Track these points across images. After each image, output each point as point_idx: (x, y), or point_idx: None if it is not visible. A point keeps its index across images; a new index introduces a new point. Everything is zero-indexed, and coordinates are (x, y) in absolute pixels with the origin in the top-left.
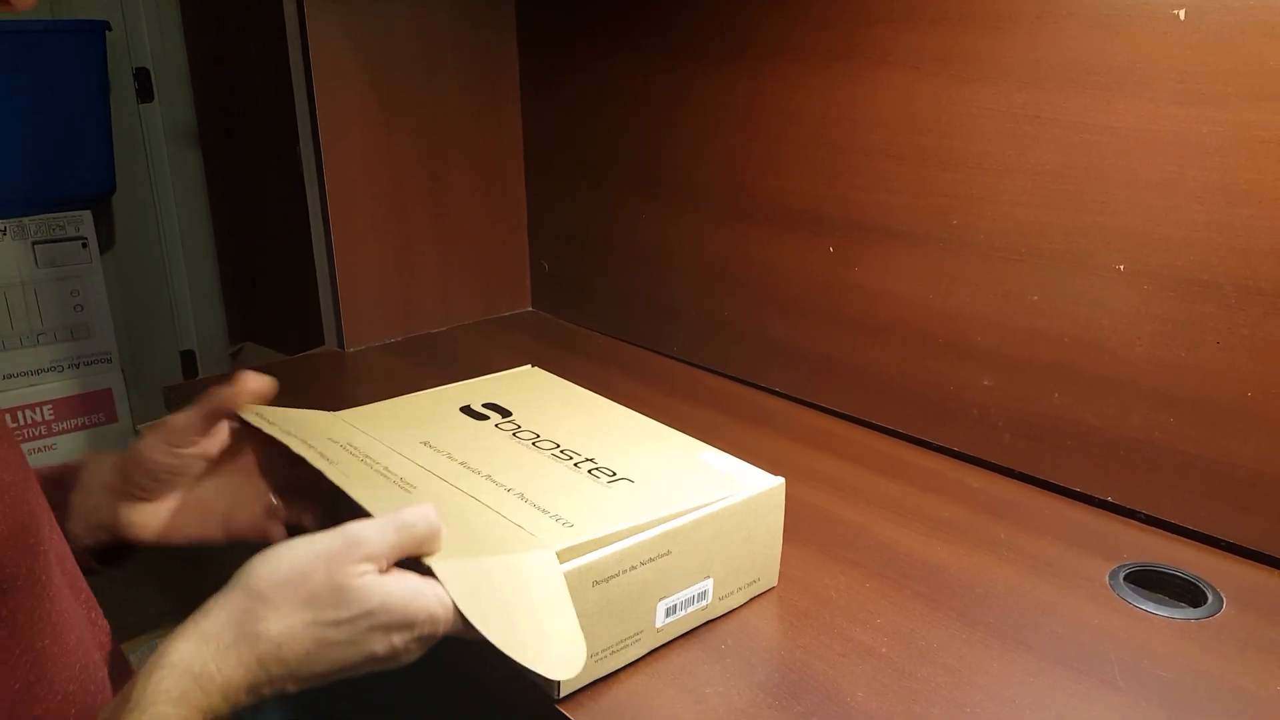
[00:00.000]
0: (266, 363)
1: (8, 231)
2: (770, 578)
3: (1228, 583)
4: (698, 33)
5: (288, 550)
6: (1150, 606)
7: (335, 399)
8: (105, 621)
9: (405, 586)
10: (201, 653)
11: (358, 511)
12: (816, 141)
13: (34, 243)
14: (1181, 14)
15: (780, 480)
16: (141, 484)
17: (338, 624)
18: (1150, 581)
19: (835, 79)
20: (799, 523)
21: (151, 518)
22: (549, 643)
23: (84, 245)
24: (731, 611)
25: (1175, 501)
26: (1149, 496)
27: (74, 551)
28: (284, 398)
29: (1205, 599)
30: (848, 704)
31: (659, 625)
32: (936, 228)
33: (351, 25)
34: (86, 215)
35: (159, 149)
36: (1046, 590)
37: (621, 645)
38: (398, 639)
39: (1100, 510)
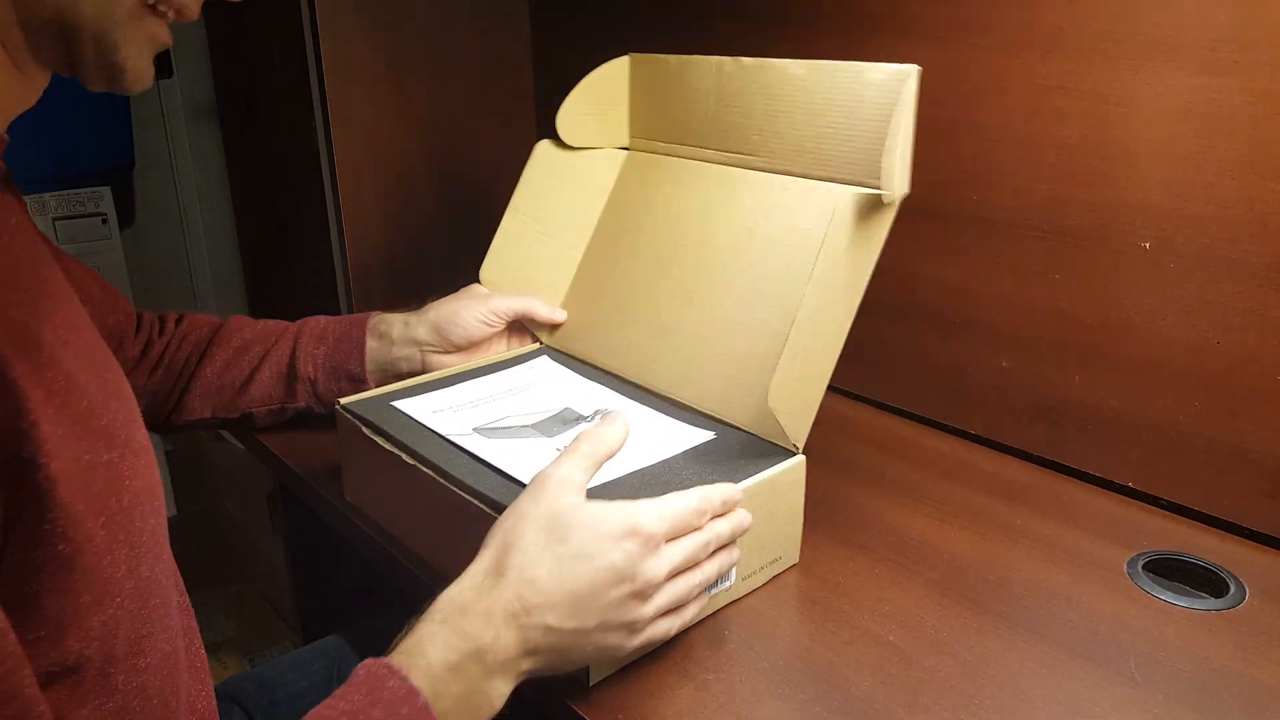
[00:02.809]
0: None
1: (28, 208)
2: (791, 555)
3: (1252, 573)
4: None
5: (518, 505)
6: (1170, 596)
7: None
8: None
9: (608, 505)
10: (462, 590)
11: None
12: None
13: (54, 219)
14: None
15: (801, 457)
16: (455, 341)
17: (566, 541)
18: (1170, 570)
19: (855, 48)
20: (808, 506)
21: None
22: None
23: (104, 221)
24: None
25: (1198, 488)
26: (1171, 482)
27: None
28: None
29: (1228, 589)
30: (851, 693)
31: None
32: (956, 203)
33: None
34: (106, 191)
35: (178, 125)
36: (1062, 578)
37: None
38: (630, 545)
39: (1120, 496)
